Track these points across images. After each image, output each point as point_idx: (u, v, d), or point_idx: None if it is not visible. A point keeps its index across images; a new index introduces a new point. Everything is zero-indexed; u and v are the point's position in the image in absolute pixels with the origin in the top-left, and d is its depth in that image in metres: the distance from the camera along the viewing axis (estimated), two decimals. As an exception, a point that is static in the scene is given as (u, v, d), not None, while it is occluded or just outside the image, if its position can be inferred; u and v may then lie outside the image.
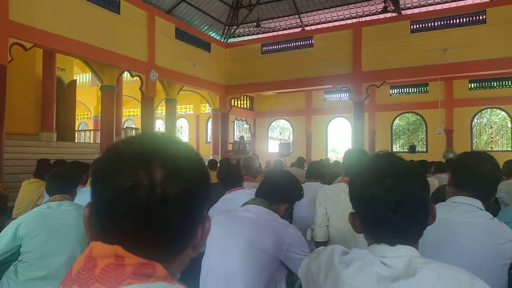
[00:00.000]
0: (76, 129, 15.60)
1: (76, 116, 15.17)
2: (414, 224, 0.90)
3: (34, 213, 2.32)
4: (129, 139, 0.59)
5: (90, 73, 17.44)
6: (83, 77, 20.35)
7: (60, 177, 2.50)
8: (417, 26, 12.20)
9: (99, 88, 12.20)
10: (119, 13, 10.46)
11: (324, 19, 15.38)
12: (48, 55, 11.55)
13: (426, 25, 12.08)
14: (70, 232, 2.31)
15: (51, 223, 2.28)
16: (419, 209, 0.90)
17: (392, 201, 0.88)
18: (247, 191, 2.77)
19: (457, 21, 11.69)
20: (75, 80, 14.43)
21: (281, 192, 1.92)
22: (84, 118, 22.75)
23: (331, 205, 2.53)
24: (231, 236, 1.75)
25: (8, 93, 7.78)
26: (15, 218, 2.54)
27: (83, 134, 18.17)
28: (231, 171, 3.03)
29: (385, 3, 13.47)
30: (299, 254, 1.70)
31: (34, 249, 2.21)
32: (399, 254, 0.88)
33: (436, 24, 11.95)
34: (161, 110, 18.57)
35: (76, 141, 14.87)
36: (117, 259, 0.52)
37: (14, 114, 10.83)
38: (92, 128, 19.73)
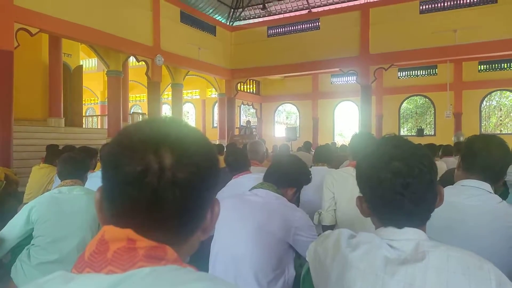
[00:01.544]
0: (83, 114, 15.66)
1: (83, 102, 15.22)
2: (421, 206, 0.90)
3: (46, 198, 2.36)
4: (139, 124, 0.59)
5: (96, 58, 17.39)
6: (89, 63, 20.34)
7: (72, 162, 2.53)
8: (426, 6, 11.94)
9: (105, 74, 12.19)
10: (123, -3, 10.37)
11: (331, 1, 15.10)
12: (54, 40, 11.53)
13: (436, 5, 11.81)
14: (81, 217, 2.34)
15: (62, 208, 2.32)
16: (427, 191, 0.90)
17: (399, 184, 0.88)
18: (254, 176, 2.79)
19: (468, 1, 11.40)
20: (81, 66, 14.42)
21: (289, 176, 1.93)
22: (91, 103, 22.83)
23: (339, 189, 2.53)
24: (240, 219, 1.77)
25: (15, 79, 7.80)
26: (26, 203, 2.59)
27: (91, 119, 18.26)
28: (238, 155, 3.04)
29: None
30: (307, 237, 1.71)
31: (46, 233, 2.25)
32: (407, 237, 0.88)
33: (445, 4, 11.68)
34: (167, 95, 18.57)
35: (83, 126, 14.96)
36: (129, 243, 0.53)
37: (22, 100, 10.89)
38: (99, 114, 19.81)
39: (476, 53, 11.67)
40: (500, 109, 16.25)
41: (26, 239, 2.32)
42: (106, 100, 13.73)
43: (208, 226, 0.64)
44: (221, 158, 3.34)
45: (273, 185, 1.87)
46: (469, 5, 11.37)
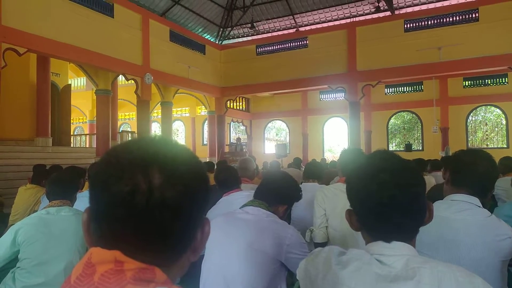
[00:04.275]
0: (71, 133, 15.51)
1: (71, 121, 15.09)
2: (408, 219, 0.90)
3: (33, 219, 2.31)
4: (127, 143, 0.58)
5: (84, 77, 17.36)
6: (77, 82, 20.27)
7: (61, 182, 2.49)
8: (411, 25, 12.25)
9: (94, 92, 12.16)
10: (113, 17, 10.44)
11: (318, 20, 15.37)
12: (42, 60, 11.49)
13: (420, 24, 12.13)
14: (69, 239, 2.29)
15: (50, 229, 2.26)
16: (413, 203, 0.90)
17: (386, 196, 0.88)
18: (245, 193, 2.77)
19: (451, 19, 11.75)
20: (70, 85, 14.36)
21: (280, 193, 1.92)
22: (80, 122, 22.66)
23: (330, 205, 2.53)
24: (231, 238, 1.75)
25: (2, 98, 7.74)
26: (11, 225, 2.52)
27: (79, 138, 18.08)
28: (229, 173, 3.02)
29: (378, 3, 13.49)
30: (299, 254, 1.69)
31: (32, 256, 2.19)
32: (396, 253, 0.88)
33: (429, 22, 12.00)
34: (157, 113, 18.54)
35: (71, 145, 14.79)
36: (116, 265, 0.52)
37: (9, 120, 10.78)
38: (87, 133, 19.64)
39: (460, 69, 11.96)
40: (486, 124, 16.54)
41: (11, 262, 2.25)
42: (95, 118, 13.64)
43: (199, 247, 0.62)
44: (211, 176, 3.32)
45: (264, 202, 1.85)
46: (452, 23, 11.70)
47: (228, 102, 15.76)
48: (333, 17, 15.09)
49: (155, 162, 0.54)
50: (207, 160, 10.55)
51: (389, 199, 0.88)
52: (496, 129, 16.34)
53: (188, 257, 0.61)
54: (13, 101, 11.01)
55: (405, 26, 12.30)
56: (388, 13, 13.39)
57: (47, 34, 8.51)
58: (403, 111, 17.46)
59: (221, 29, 16.46)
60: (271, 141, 20.64)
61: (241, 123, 19.74)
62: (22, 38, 7.98)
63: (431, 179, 4.68)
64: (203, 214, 0.62)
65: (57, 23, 8.80)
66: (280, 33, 15.88)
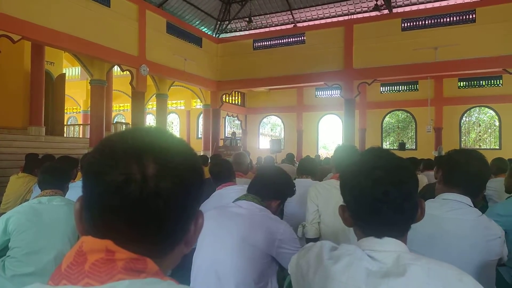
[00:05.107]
0: (65, 123, 15.39)
1: (65, 111, 14.98)
2: (401, 215, 0.91)
3: (25, 208, 2.29)
4: (122, 133, 0.58)
5: (79, 67, 17.18)
6: (72, 71, 20.07)
7: (53, 172, 2.47)
8: (408, 24, 12.27)
9: (89, 82, 12.02)
10: (109, 7, 10.33)
11: (316, 16, 15.34)
12: (36, 48, 11.37)
13: (417, 23, 12.16)
14: (60, 228, 2.28)
15: (42, 219, 2.25)
16: (406, 200, 0.91)
17: (379, 192, 0.89)
18: (238, 187, 2.77)
19: (448, 19, 11.78)
20: (64, 74, 14.23)
21: (273, 188, 1.92)
22: (73, 112, 22.46)
23: (323, 201, 2.54)
24: (223, 231, 1.75)
25: (-5, 86, 7.65)
26: (3, 213, 2.51)
27: (72, 128, 17.94)
28: (223, 166, 3.02)
29: (376, 1, 13.48)
30: (291, 250, 1.70)
31: (22, 245, 2.18)
32: (388, 249, 0.89)
33: (426, 22, 12.03)
34: (151, 105, 18.43)
35: (65, 135, 14.70)
36: (107, 254, 0.52)
37: (2, 108, 10.68)
38: (81, 123, 19.51)
39: (455, 70, 12.02)
40: (479, 125, 16.67)
41: (2, 251, 2.24)
42: (89, 109, 13.54)
43: (192, 239, 0.62)
44: (206, 169, 3.32)
45: (257, 197, 1.86)
46: (449, 23, 11.73)
47: (224, 96, 15.72)
48: (331, 13, 15.07)
49: (150, 152, 0.54)
50: (201, 154, 10.54)
51: (383, 195, 0.89)
52: (489, 130, 16.48)
53: (181, 249, 0.61)
54: (6, 89, 10.91)
55: (402, 25, 12.31)
56: (386, 11, 13.39)
57: (42, 21, 8.40)
58: (398, 110, 17.54)
59: (219, 22, 16.37)
60: (265, 136, 20.64)
61: (236, 118, 19.70)
62: (17, 25, 7.86)
63: (424, 178, 4.71)
64: (197, 206, 0.62)
65: (53, 11, 8.69)
66: (277, 28, 15.83)
